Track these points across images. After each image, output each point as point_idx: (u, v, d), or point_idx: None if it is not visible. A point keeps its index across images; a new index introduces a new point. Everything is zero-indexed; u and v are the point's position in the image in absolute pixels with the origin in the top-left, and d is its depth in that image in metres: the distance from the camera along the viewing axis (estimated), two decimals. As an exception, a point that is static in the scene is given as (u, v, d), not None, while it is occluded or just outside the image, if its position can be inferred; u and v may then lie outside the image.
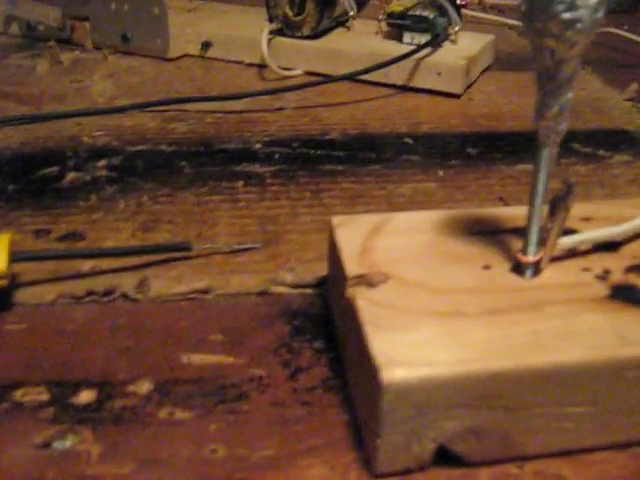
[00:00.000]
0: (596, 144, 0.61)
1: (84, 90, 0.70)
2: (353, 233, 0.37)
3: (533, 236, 0.34)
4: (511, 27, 0.94)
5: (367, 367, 0.30)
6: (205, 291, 0.41)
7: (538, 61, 0.29)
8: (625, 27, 0.97)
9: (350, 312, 0.33)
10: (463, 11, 0.85)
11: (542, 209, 0.33)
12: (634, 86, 0.72)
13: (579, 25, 0.28)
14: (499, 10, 1.04)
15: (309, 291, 0.42)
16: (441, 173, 0.55)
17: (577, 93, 0.72)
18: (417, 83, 0.70)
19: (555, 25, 0.28)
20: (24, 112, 0.64)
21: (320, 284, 0.42)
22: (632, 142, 0.62)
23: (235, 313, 0.40)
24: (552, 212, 0.33)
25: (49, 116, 0.62)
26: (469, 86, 0.71)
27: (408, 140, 0.60)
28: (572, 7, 0.27)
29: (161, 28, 0.76)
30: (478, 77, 0.74)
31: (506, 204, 0.50)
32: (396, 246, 0.36)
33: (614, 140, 0.62)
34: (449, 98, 0.69)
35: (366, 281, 0.33)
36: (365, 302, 0.32)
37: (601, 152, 0.60)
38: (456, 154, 0.58)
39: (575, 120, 0.66)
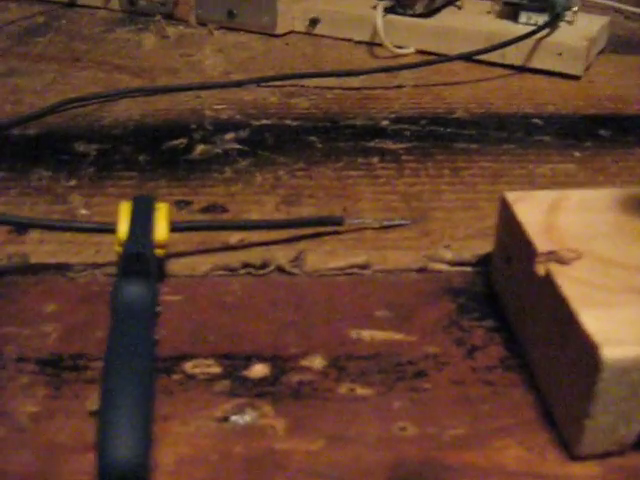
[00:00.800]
0: None
1: (196, 64, 0.69)
2: (532, 209, 0.36)
3: None
4: (617, 10, 0.92)
5: (578, 345, 0.28)
6: (363, 266, 0.40)
7: None
8: None
9: (546, 289, 0.31)
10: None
11: None
12: None
13: None
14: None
15: (469, 269, 0.41)
16: (577, 154, 0.53)
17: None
18: (535, 64, 0.69)
19: None
20: (138, 85, 0.63)
21: (479, 262, 0.41)
22: None
23: (397, 289, 0.39)
24: None
25: (166, 88, 0.61)
26: (587, 68, 0.69)
27: (536, 121, 0.59)
28: None
29: (269, 4, 0.75)
30: (594, 60, 0.72)
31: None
32: (580, 223, 0.35)
33: None
34: (568, 80, 0.67)
35: (557, 258, 0.32)
36: (564, 279, 0.31)
37: None
38: (588, 135, 0.56)
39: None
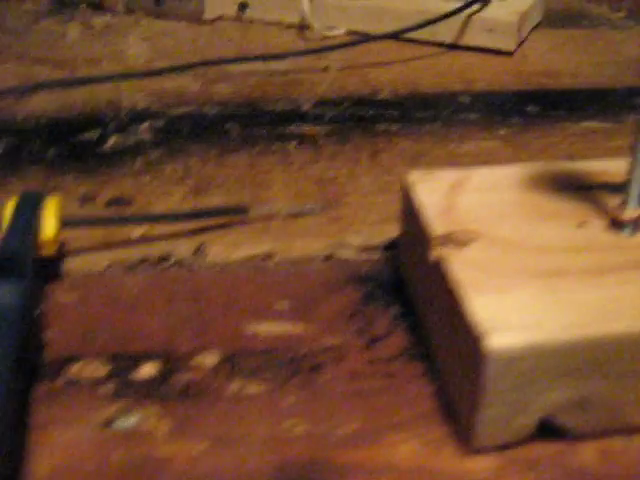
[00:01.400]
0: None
1: (119, 54, 0.67)
2: (432, 190, 0.34)
3: (634, 190, 0.31)
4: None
5: (465, 334, 0.27)
6: (266, 257, 0.39)
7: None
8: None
9: (438, 274, 0.30)
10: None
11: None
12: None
13: None
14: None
15: (377, 255, 0.39)
16: (502, 132, 0.52)
17: (632, 50, 0.69)
18: (467, 41, 0.67)
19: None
20: (59, 76, 0.61)
21: (388, 247, 0.39)
22: None
23: (300, 279, 0.37)
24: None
25: (85, 80, 0.59)
26: (520, 43, 0.68)
27: (464, 99, 0.57)
28: None
29: (196, -11, 0.73)
30: (529, 34, 0.70)
31: (576, 162, 0.47)
32: (482, 203, 0.33)
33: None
34: (501, 56, 0.66)
35: (454, 240, 0.31)
36: (456, 263, 0.29)
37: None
38: (516, 112, 0.55)
39: (635, 77, 0.62)
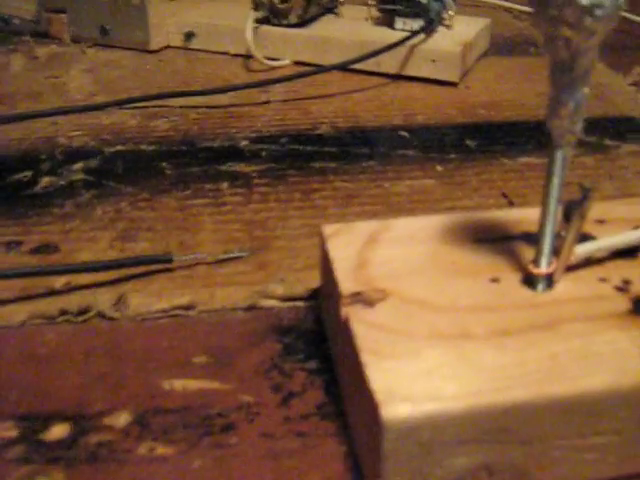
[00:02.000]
0: (602, 133, 0.58)
1: (61, 87, 0.66)
2: (347, 243, 0.34)
3: (546, 246, 0.30)
4: (506, 9, 0.91)
5: (366, 401, 0.26)
6: (188, 307, 0.38)
7: (551, 53, 0.26)
8: (625, 6, 0.93)
9: (346, 335, 0.29)
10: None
11: (556, 216, 0.30)
12: (638, 69, 0.68)
13: (599, 12, 0.24)
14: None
15: (301, 304, 0.39)
16: (439, 168, 0.51)
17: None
18: (411, 71, 0.67)
19: (572, 12, 0.24)
20: (-2, 112, 0.60)
21: (312, 296, 0.39)
22: (639, 130, 0.58)
23: (220, 331, 0.37)
24: (566, 219, 0.30)
25: (22, 116, 0.58)
26: (465, 73, 0.68)
27: (403, 133, 0.57)
28: (592, -9, 0.24)
29: (141, 19, 0.73)
30: (474, 63, 0.70)
31: (510, 201, 0.47)
32: (395, 257, 0.33)
33: (620, 128, 0.59)
34: (445, 86, 0.66)
35: (363, 299, 0.30)
36: (362, 325, 0.29)
37: (607, 141, 0.56)
38: (454, 147, 0.54)
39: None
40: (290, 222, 0.45)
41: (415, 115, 0.60)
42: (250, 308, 0.38)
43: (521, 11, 0.89)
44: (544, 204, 0.30)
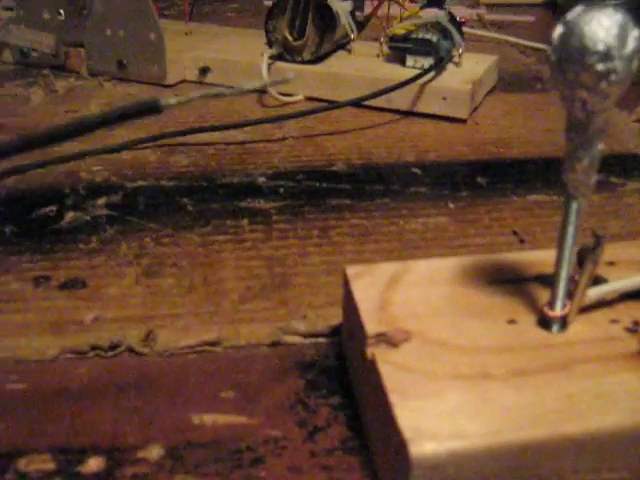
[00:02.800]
0: (608, 170, 0.59)
1: (80, 121, 0.67)
2: (370, 285, 0.35)
3: (560, 290, 0.32)
4: (513, 45, 0.93)
5: (392, 438, 0.28)
6: (214, 343, 0.40)
7: (568, 112, 0.28)
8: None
9: (372, 375, 0.31)
10: (463, 29, 0.83)
11: (570, 262, 0.31)
12: (642, 106, 0.70)
13: (613, 77, 0.26)
14: (499, 27, 1.03)
15: (322, 340, 0.40)
16: (452, 206, 0.53)
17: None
18: (422, 108, 0.68)
19: (588, 76, 0.26)
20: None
21: (334, 332, 0.40)
22: (644, 167, 0.60)
23: (246, 367, 0.38)
24: (580, 264, 0.32)
25: (43, 163, 0.60)
26: (474, 109, 0.69)
27: (416, 170, 0.59)
28: (606, 58, 0.26)
29: (158, 54, 0.74)
30: (482, 100, 0.72)
31: (520, 239, 0.49)
32: (416, 299, 0.34)
33: (626, 166, 0.60)
34: (455, 123, 0.67)
35: (387, 340, 0.32)
36: (388, 366, 0.31)
37: (613, 179, 0.58)
38: (466, 184, 0.56)
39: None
40: (309, 259, 0.47)
41: (427, 152, 0.62)
42: (274, 344, 0.40)
43: (527, 47, 0.91)
44: (559, 250, 0.31)
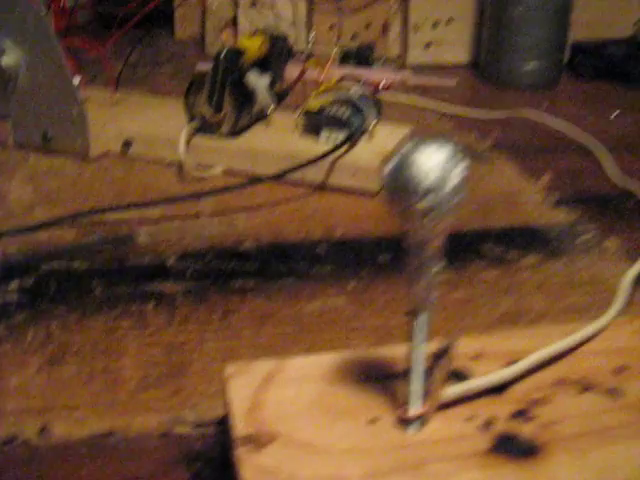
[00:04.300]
0: (507, 244, 0.62)
1: (2, 197, 0.69)
2: (245, 385, 0.38)
3: (414, 393, 0.34)
4: (432, 110, 0.96)
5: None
6: (107, 435, 0.42)
7: (405, 239, 0.30)
8: (545, 104, 0.99)
9: (238, 476, 0.33)
10: (384, 94, 0.87)
11: (421, 368, 0.34)
12: (546, 177, 0.73)
13: (435, 212, 0.29)
14: (422, 91, 1.06)
15: (211, 430, 0.42)
16: (351, 285, 0.56)
17: (491, 187, 0.73)
18: (334, 182, 0.71)
19: (415, 211, 0.29)
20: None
21: (222, 422, 0.42)
22: (543, 241, 0.63)
23: (136, 458, 0.40)
24: (433, 367, 0.34)
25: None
26: (386, 182, 0.72)
27: (321, 248, 0.61)
28: (427, 197, 0.28)
29: (81, 128, 0.77)
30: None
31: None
32: (287, 399, 0.37)
33: (525, 239, 0.63)
34: (365, 197, 0.70)
35: (254, 441, 0.34)
36: (249, 469, 0.33)
37: (511, 254, 0.61)
38: (367, 263, 0.59)
39: (488, 219, 0.67)
40: (207, 345, 0.49)
41: (334, 228, 0.64)
42: (164, 435, 0.42)
43: (445, 113, 0.94)
44: (412, 358, 0.34)
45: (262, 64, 0.79)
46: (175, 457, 0.40)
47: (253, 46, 0.76)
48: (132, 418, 0.43)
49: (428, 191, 0.28)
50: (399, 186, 0.29)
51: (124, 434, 0.42)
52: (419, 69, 1.14)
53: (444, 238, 0.31)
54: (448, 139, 0.30)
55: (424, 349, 0.34)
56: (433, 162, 0.29)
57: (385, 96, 0.94)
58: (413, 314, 0.33)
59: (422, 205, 0.28)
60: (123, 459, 0.40)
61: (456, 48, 1.17)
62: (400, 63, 1.16)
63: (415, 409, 0.35)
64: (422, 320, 0.33)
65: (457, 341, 0.35)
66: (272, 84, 0.80)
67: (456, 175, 0.29)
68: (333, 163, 0.71)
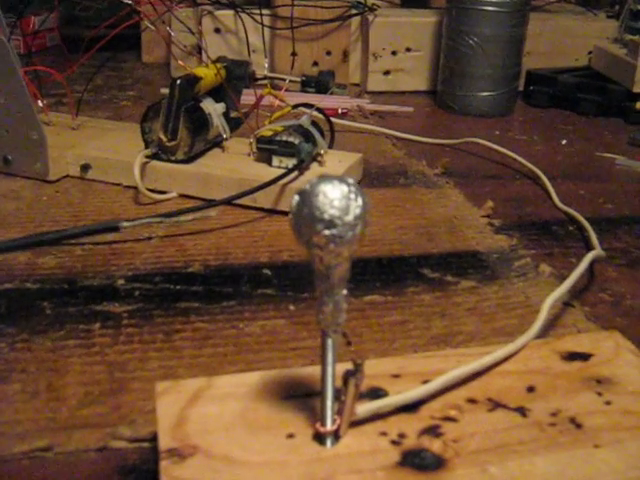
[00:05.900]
0: (446, 269, 0.65)
1: (-40, 221, 0.72)
2: (173, 402, 0.40)
3: (327, 409, 0.37)
4: (388, 136, 0.99)
5: None
6: (46, 449, 0.44)
7: (312, 265, 0.33)
8: (497, 132, 1.02)
9: (161, 487, 0.35)
10: (341, 121, 0.90)
11: (332, 385, 0.36)
12: (490, 203, 0.76)
13: (339, 240, 0.31)
14: (380, 116, 1.09)
15: (146, 445, 0.44)
16: (292, 308, 0.58)
17: (436, 213, 0.76)
18: (283, 206, 0.74)
19: (318, 239, 0.31)
20: None
21: (155, 437, 0.44)
22: (480, 265, 0.66)
23: (72, 472, 0.42)
24: (345, 386, 0.36)
25: None
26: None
27: (267, 271, 0.63)
28: (331, 225, 0.31)
29: (40, 152, 0.79)
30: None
31: (348, 341, 0.53)
32: (211, 415, 0.39)
33: (464, 263, 0.66)
34: (314, 221, 0.72)
35: (177, 454, 0.36)
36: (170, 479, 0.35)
37: (449, 278, 0.63)
38: (309, 285, 0.61)
39: (430, 243, 0.70)
40: (149, 364, 0.51)
41: (280, 251, 0.67)
42: (101, 449, 0.44)
43: (400, 138, 0.97)
44: (322, 377, 0.36)
45: (218, 91, 0.81)
46: (111, 470, 0.43)
47: (209, 74, 0.79)
48: (72, 433, 0.45)
49: (332, 219, 0.31)
50: (306, 215, 0.31)
51: (63, 448, 0.44)
52: (378, 96, 1.17)
53: (348, 265, 0.33)
54: (348, 178, 0.33)
55: (334, 369, 0.36)
56: (336, 194, 0.31)
57: (342, 122, 0.97)
58: (322, 336, 0.35)
59: (327, 232, 0.31)
60: (61, 472, 0.43)
61: (415, 76, 1.20)
62: (360, 90, 1.19)
63: (329, 425, 0.37)
64: (331, 342, 0.35)
65: (366, 361, 0.37)
66: (227, 111, 0.82)
67: (358, 206, 0.31)
68: (283, 188, 0.73)
